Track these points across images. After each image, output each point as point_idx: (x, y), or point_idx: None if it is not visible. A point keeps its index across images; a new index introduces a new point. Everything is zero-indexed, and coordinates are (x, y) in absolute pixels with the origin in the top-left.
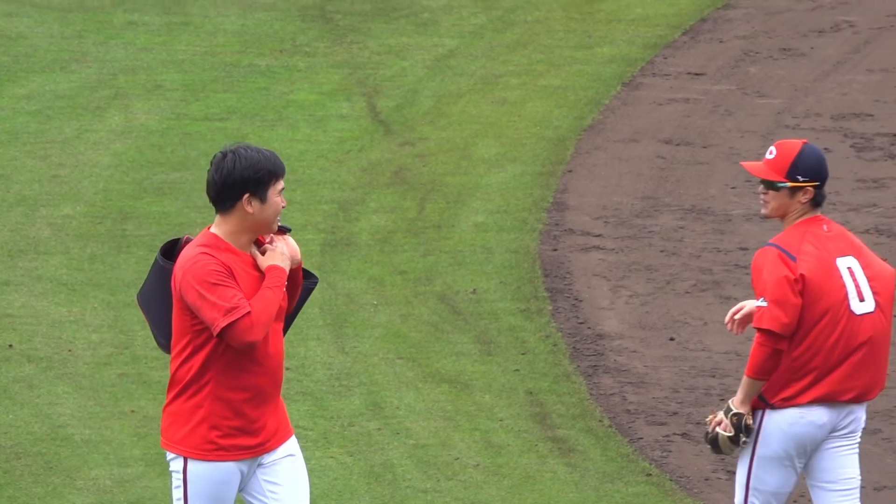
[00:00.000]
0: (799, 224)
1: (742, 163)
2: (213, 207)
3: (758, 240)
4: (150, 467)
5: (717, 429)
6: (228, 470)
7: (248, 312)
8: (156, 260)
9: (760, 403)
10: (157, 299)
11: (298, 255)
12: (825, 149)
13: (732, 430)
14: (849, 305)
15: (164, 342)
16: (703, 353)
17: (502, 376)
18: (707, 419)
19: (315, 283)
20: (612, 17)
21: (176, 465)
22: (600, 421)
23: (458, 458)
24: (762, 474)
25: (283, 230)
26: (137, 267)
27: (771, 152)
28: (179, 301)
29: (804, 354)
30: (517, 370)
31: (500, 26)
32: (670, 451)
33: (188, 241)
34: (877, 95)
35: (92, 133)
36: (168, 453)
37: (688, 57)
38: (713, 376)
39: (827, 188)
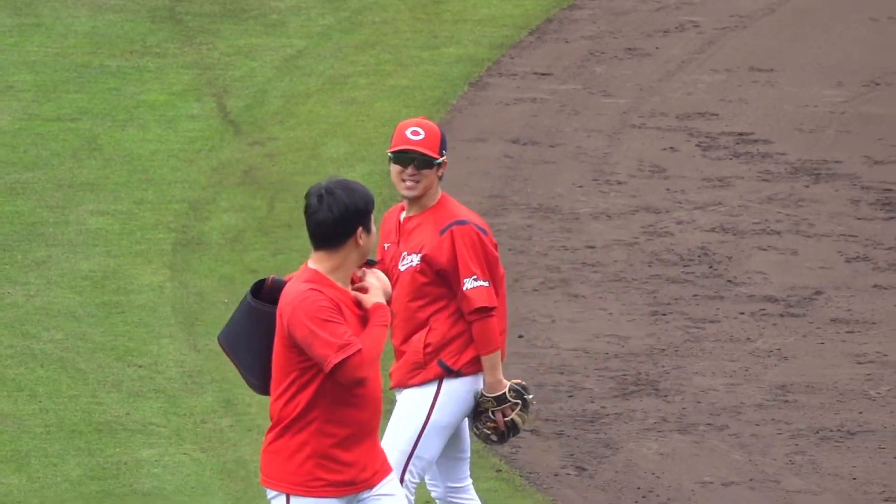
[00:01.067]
0: (447, 198)
1: (401, 147)
2: (315, 246)
3: (605, 238)
4: (5, 464)
5: (512, 415)
6: None
7: (360, 350)
8: (244, 301)
9: (441, 371)
10: (246, 341)
11: (389, 288)
12: (671, 148)
13: (519, 404)
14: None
15: (257, 382)
16: (551, 349)
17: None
18: (489, 426)
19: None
20: (459, 17)
21: (278, 502)
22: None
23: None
24: (431, 442)
25: (369, 263)
26: None
27: (416, 133)
28: (286, 339)
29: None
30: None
31: (348, 27)
32: (520, 448)
33: (274, 280)
34: (721, 95)
35: None
36: (269, 491)
37: (534, 57)
38: (561, 373)
39: (673, 186)
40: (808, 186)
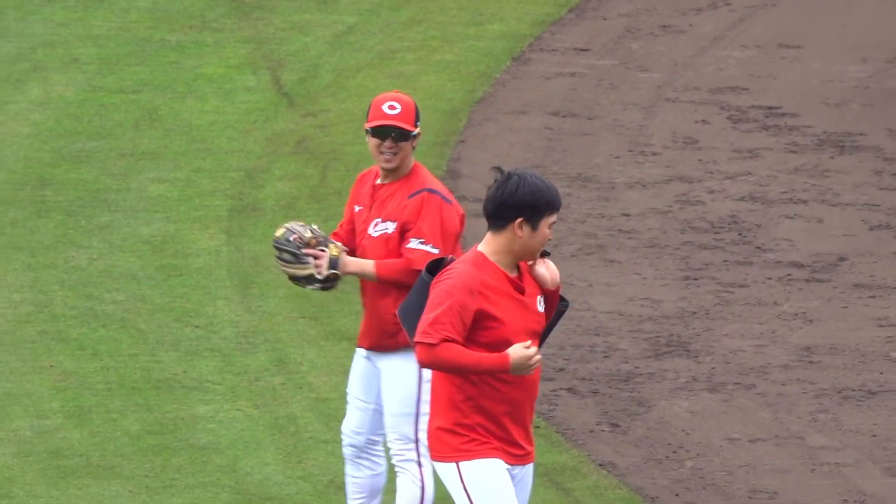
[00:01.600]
0: (419, 167)
1: (378, 123)
2: (488, 225)
3: (640, 206)
4: (68, 419)
5: (314, 269)
6: (499, 464)
7: (436, 344)
8: (420, 278)
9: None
10: (417, 313)
11: (558, 278)
12: (703, 121)
13: (323, 275)
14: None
15: None
16: (587, 312)
17: None
18: (311, 256)
19: (567, 307)
20: None
21: (450, 474)
22: None
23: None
24: (428, 399)
25: (542, 254)
26: (56, 231)
27: (393, 107)
28: None
29: None
30: None
31: (397, 4)
32: (557, 405)
33: (452, 260)
34: (751, 70)
35: (12, 104)
36: (440, 465)
37: (574, 33)
38: (597, 335)
39: (705, 157)
40: (833, 158)
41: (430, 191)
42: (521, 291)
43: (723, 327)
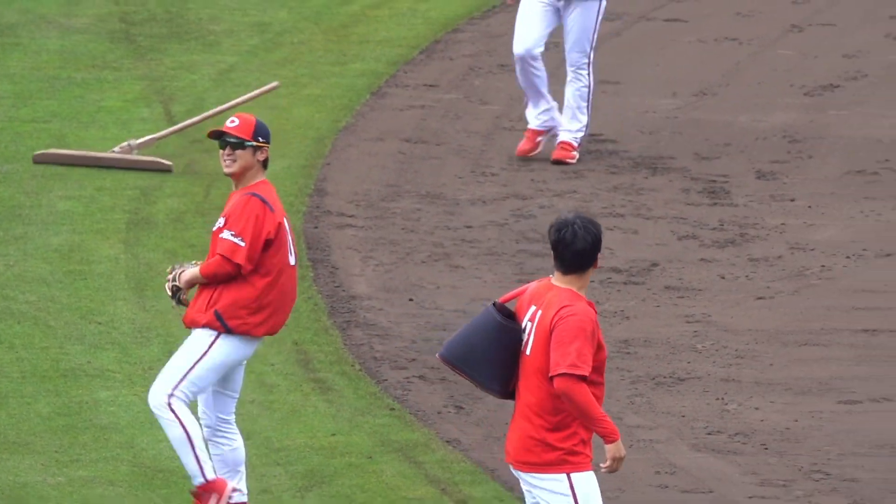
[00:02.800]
0: (266, 183)
1: (216, 129)
2: (567, 271)
3: (480, 219)
4: None
5: (169, 283)
6: (593, 474)
7: (581, 378)
8: (488, 321)
9: (220, 326)
10: (491, 354)
11: None
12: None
13: (170, 292)
14: (288, 257)
15: (498, 388)
16: (436, 311)
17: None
18: (171, 277)
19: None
20: (363, 39)
21: (557, 486)
22: (352, 366)
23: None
24: (206, 374)
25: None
26: None
27: (233, 121)
28: (549, 344)
29: (267, 293)
30: (287, 324)
31: (271, 46)
32: (410, 391)
33: (503, 304)
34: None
35: None
36: (544, 478)
37: (424, 72)
38: (444, 329)
39: (536, 177)
40: (646, 178)
41: (254, 194)
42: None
43: None
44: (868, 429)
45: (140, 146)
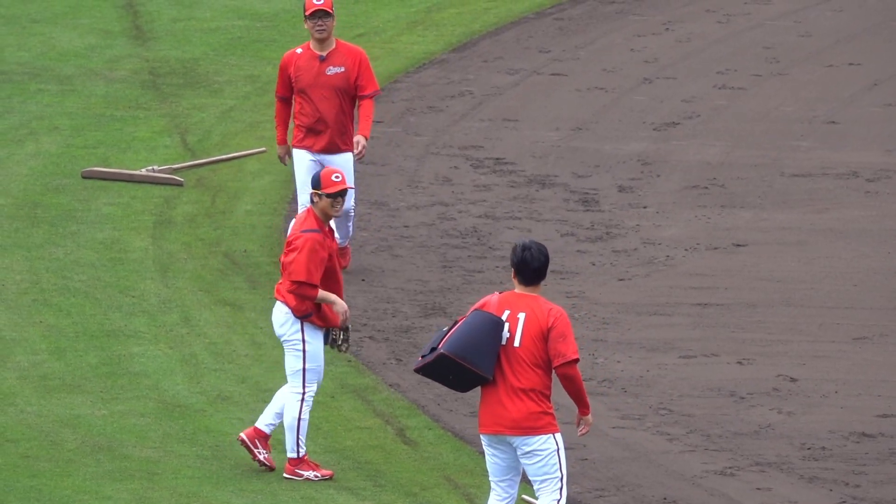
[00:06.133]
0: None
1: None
2: (528, 282)
3: (414, 221)
4: (51, 355)
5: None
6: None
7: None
8: (487, 320)
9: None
10: (486, 347)
11: None
12: (455, 167)
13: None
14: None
15: (490, 374)
16: (382, 288)
17: (262, 301)
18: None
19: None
20: None
21: (549, 444)
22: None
23: (235, 350)
24: (312, 364)
25: None
26: (43, 236)
27: (338, 176)
28: (544, 336)
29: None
30: (271, 298)
31: (261, 93)
32: (362, 347)
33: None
34: (486, 135)
35: (14, 156)
36: (540, 439)
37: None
38: (388, 302)
39: (456, 190)
40: (538, 191)
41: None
42: None
43: (467, 298)
44: (700, 377)
45: (160, 170)
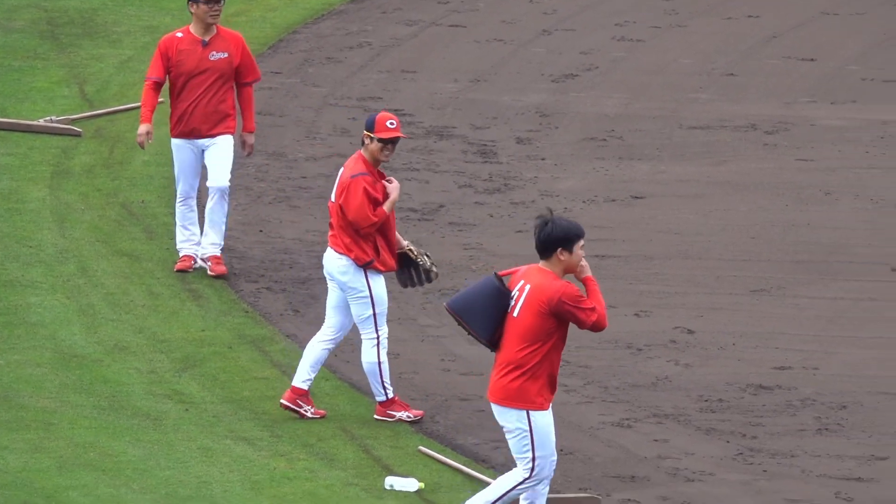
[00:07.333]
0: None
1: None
2: (539, 255)
3: (313, 172)
4: None
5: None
6: (550, 413)
7: (596, 309)
8: (490, 284)
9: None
10: (485, 310)
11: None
12: (353, 118)
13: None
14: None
15: (488, 337)
16: (279, 239)
17: (159, 252)
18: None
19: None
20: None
21: (518, 420)
22: (217, 279)
23: (132, 300)
24: (381, 307)
25: None
26: None
27: (392, 123)
28: (543, 312)
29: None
30: (168, 249)
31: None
32: (259, 298)
33: (503, 275)
34: (384, 86)
35: None
36: (510, 412)
37: (272, 62)
38: (286, 253)
39: (354, 141)
40: (436, 142)
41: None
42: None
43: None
44: None
45: (59, 121)
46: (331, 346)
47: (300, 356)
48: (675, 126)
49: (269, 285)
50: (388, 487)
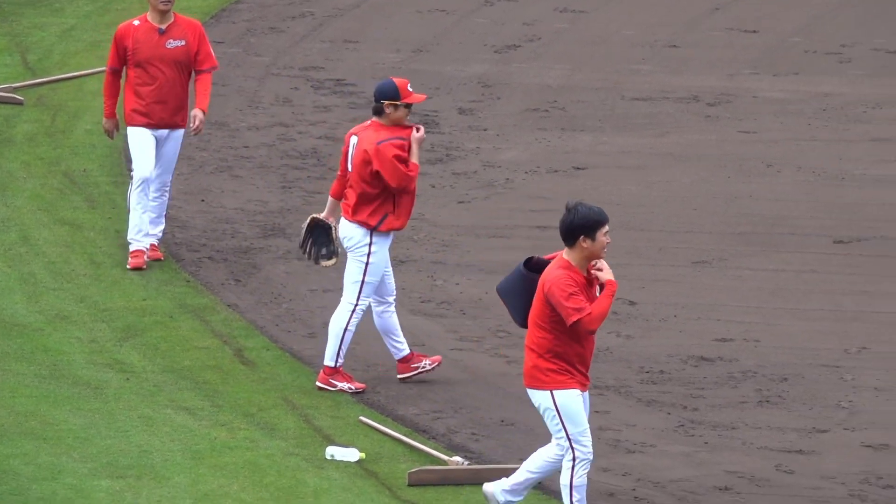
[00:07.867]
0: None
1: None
2: (563, 242)
3: (255, 141)
4: None
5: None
6: (577, 392)
7: (590, 312)
8: (518, 269)
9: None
10: (516, 294)
11: (611, 274)
12: (295, 88)
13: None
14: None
15: (521, 320)
16: (221, 208)
17: (101, 221)
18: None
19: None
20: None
21: (545, 400)
22: (159, 248)
23: (74, 269)
24: (372, 278)
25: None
26: None
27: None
28: (544, 300)
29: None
30: (110, 218)
31: (102, 13)
32: (201, 268)
33: (538, 259)
34: (327, 56)
35: None
36: (536, 393)
37: (214, 32)
38: (227, 223)
39: (296, 111)
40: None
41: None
42: (591, 283)
43: (306, 217)
44: None
45: (1, 89)
46: (391, 310)
47: (242, 326)
48: (617, 97)
49: (210, 255)
50: (328, 457)
